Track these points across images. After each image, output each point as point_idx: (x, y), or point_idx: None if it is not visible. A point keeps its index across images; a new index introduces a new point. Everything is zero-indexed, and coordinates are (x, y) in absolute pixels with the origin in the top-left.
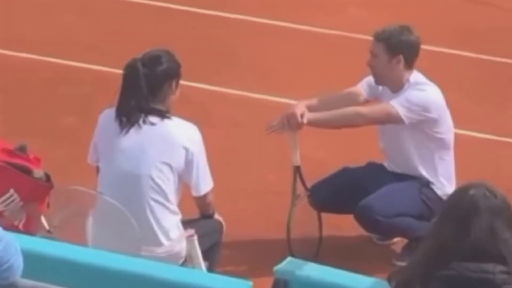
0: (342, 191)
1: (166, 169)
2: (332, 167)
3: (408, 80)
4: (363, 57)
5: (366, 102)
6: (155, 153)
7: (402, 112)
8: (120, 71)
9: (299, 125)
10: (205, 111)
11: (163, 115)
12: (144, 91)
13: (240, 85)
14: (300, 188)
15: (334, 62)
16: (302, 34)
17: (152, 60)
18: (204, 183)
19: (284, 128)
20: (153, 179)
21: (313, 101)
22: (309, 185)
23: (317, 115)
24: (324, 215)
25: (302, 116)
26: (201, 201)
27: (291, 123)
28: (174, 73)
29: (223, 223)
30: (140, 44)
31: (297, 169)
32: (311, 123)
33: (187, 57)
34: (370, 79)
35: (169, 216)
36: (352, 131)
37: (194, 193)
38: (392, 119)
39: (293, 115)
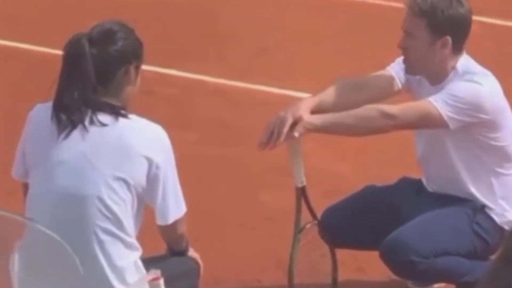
0: (364, 220)
1: (120, 188)
2: (353, 186)
3: (454, 69)
4: (392, 33)
5: (398, 92)
6: (106, 166)
7: (446, 112)
8: (59, 52)
9: (300, 132)
10: (176, 107)
11: (117, 112)
12: (92, 78)
13: (225, 72)
14: (306, 217)
15: (353, 39)
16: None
17: (103, 37)
18: (174, 207)
19: (278, 139)
20: (103, 201)
21: (324, 96)
22: (319, 211)
23: (326, 118)
24: (340, 252)
25: (296, 123)
26: (170, 231)
27: (281, 131)
28: (132, 55)
29: (200, 262)
30: (85, 17)
31: (301, 192)
32: (317, 129)
33: (153, 34)
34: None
35: (125, 252)
36: (380, 137)
37: (160, 221)
38: (432, 123)
39: (282, 122)
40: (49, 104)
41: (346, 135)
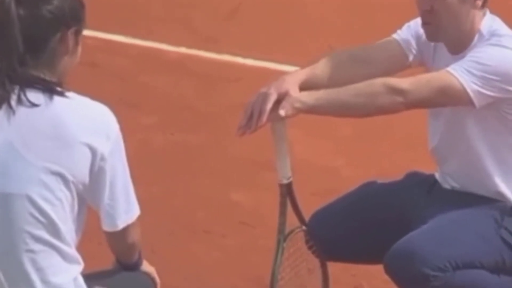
0: (362, 226)
1: (56, 184)
2: (348, 183)
3: (478, 31)
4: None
5: (408, 66)
6: (38, 157)
7: (469, 84)
8: None
9: (287, 111)
10: (127, 83)
11: (51, 89)
12: (20, 47)
13: (187, 39)
14: (291, 220)
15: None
16: None
17: None
18: (124, 210)
19: (259, 119)
20: (33, 202)
21: (316, 69)
22: (307, 215)
23: (319, 95)
24: (332, 266)
25: (281, 100)
26: (119, 239)
27: (263, 108)
28: (71, 17)
29: (156, 278)
30: None
31: (286, 189)
32: (308, 109)
33: None
34: (417, 26)
35: (63, 265)
36: (382, 121)
37: (107, 227)
38: (452, 98)
39: (264, 98)
40: None
41: (343, 117)
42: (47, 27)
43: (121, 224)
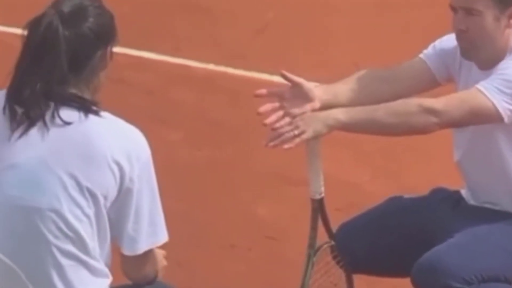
0: (388, 239)
1: (85, 201)
2: (373, 197)
3: (510, 48)
4: (434, 7)
5: (437, 85)
6: (68, 173)
7: (501, 103)
8: (17, 31)
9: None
10: (153, 98)
11: (87, 108)
12: (64, 66)
13: (214, 55)
14: (321, 236)
15: (379, 13)
16: None
17: (75, 14)
18: (148, 233)
19: (300, 138)
20: (62, 217)
21: (340, 88)
22: (334, 229)
23: (353, 112)
24: (357, 279)
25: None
26: (135, 265)
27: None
28: (109, 34)
29: (164, 261)
30: None
31: (318, 205)
32: (342, 127)
33: (123, 7)
34: (442, 44)
35: (90, 278)
36: (407, 137)
37: (127, 249)
38: (484, 117)
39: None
40: (2, 92)
41: (375, 134)
42: (90, 45)
43: (142, 248)
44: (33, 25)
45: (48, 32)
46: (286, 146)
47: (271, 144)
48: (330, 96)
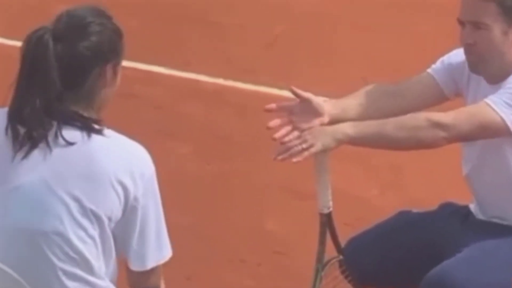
0: (397, 254)
1: (89, 222)
2: (382, 212)
3: None
4: (441, 17)
5: (445, 100)
6: (71, 195)
7: (510, 119)
8: (17, 44)
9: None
10: (163, 112)
11: (90, 127)
12: (57, 84)
13: (223, 70)
14: (329, 250)
15: (387, 26)
16: None
17: (72, 30)
18: (155, 249)
19: (309, 151)
20: (66, 240)
21: (348, 102)
22: (342, 243)
23: (362, 127)
24: None
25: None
26: (143, 280)
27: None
28: (110, 53)
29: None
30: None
31: (327, 219)
32: (350, 141)
33: (134, 22)
34: (450, 59)
35: None
36: (416, 151)
37: (135, 265)
38: (493, 132)
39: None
40: (3, 112)
41: (383, 149)
42: (84, 63)
43: (150, 264)
44: (26, 40)
45: (38, 47)
46: (294, 159)
47: (280, 157)
48: (338, 110)
